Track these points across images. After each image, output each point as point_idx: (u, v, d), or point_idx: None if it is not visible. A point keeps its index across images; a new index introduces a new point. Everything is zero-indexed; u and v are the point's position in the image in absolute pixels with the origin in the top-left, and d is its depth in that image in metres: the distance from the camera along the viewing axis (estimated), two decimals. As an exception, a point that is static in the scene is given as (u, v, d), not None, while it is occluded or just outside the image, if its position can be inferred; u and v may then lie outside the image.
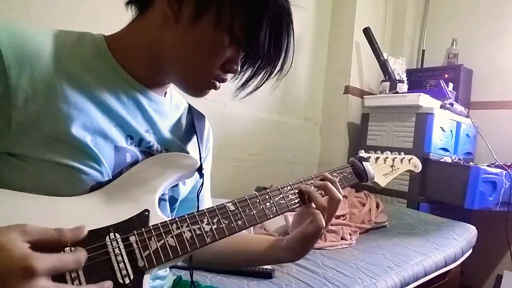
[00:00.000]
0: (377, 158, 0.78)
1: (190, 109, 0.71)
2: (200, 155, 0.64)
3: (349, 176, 0.72)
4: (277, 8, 0.53)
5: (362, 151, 0.79)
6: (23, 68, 0.45)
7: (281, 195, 0.62)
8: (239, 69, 0.58)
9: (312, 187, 0.63)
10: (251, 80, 0.60)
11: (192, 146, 0.66)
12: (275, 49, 0.56)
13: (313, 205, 0.62)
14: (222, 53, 0.54)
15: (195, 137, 0.67)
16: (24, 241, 0.35)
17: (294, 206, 0.62)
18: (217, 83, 0.58)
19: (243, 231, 0.57)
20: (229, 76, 0.60)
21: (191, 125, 0.68)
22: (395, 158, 0.81)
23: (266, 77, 0.59)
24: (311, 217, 0.60)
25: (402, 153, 0.84)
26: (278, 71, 0.59)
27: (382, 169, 0.78)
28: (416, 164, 0.85)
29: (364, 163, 0.73)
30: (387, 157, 0.80)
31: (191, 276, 0.62)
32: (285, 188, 0.63)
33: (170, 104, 0.65)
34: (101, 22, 1.32)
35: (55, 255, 0.37)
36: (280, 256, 0.65)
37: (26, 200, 0.44)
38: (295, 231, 0.63)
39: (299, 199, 0.63)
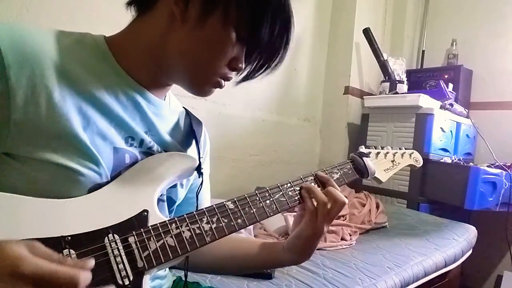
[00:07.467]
0: (378, 154, 0.77)
1: (188, 113, 0.70)
2: (199, 156, 0.63)
3: (349, 172, 0.71)
4: (278, 5, 0.54)
5: (363, 146, 0.78)
6: (23, 69, 0.45)
7: (281, 193, 0.61)
8: (243, 66, 0.58)
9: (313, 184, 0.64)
10: (250, 76, 0.60)
11: (190, 149, 0.66)
12: (275, 44, 0.56)
13: (314, 202, 0.61)
14: (229, 51, 0.55)
15: (193, 140, 0.66)
16: (25, 247, 0.34)
17: (294, 203, 0.62)
18: (222, 81, 0.58)
19: (244, 236, 0.56)
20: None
21: (190, 129, 0.68)
22: (396, 153, 0.81)
23: (263, 70, 0.59)
24: (308, 217, 0.60)
25: (403, 147, 0.83)
26: (275, 65, 0.59)
27: (383, 164, 0.77)
28: (417, 159, 0.83)
29: (364, 158, 0.73)
30: (387, 152, 0.79)
31: (185, 277, 0.61)
32: (285, 186, 0.62)
33: (169, 108, 0.65)
34: (101, 23, 1.32)
35: (49, 266, 0.34)
36: (283, 259, 0.65)
37: (22, 202, 0.44)
38: (294, 232, 0.63)
39: (299, 196, 0.63)
